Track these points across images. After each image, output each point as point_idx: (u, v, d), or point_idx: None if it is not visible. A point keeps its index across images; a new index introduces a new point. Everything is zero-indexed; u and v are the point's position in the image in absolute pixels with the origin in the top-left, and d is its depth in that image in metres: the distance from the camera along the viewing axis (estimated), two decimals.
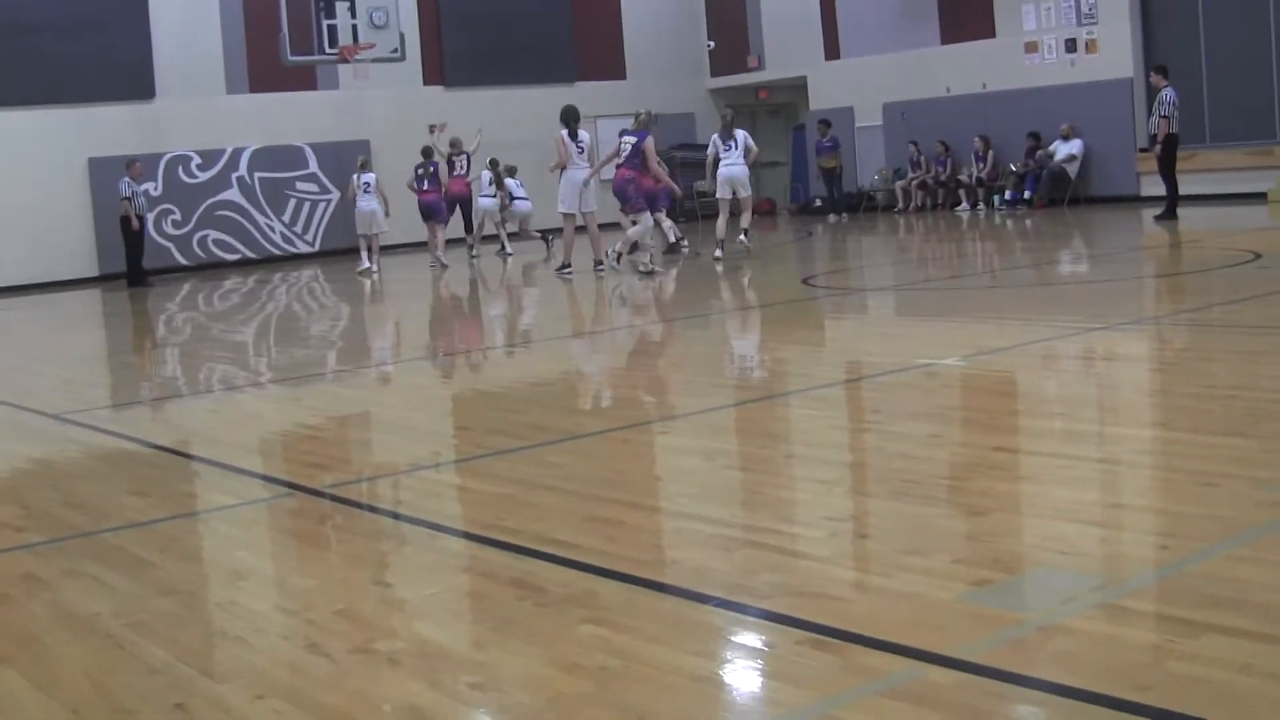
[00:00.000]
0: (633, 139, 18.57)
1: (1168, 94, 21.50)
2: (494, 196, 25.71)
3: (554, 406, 9.22)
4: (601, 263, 19.15)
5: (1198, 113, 26.19)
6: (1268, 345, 9.54)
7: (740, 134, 20.54)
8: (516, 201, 25.98)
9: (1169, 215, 21.15)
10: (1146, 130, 21.19)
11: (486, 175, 25.69)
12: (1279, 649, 3.74)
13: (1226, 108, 25.47)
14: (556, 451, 7.37)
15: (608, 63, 33.35)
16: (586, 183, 19.20)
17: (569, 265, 19.22)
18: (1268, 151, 24.90)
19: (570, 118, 19.38)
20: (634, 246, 19.00)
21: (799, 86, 32.92)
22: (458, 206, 25.56)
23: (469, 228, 26.10)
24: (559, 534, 5.47)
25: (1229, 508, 5.20)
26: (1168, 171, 21.71)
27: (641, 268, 18.18)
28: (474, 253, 25.54)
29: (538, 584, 4.86)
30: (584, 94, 31.99)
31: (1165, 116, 21.40)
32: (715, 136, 20.73)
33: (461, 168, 25.43)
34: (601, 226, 19.92)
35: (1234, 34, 25.84)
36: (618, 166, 18.76)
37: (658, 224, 20.01)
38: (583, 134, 19.39)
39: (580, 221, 19.50)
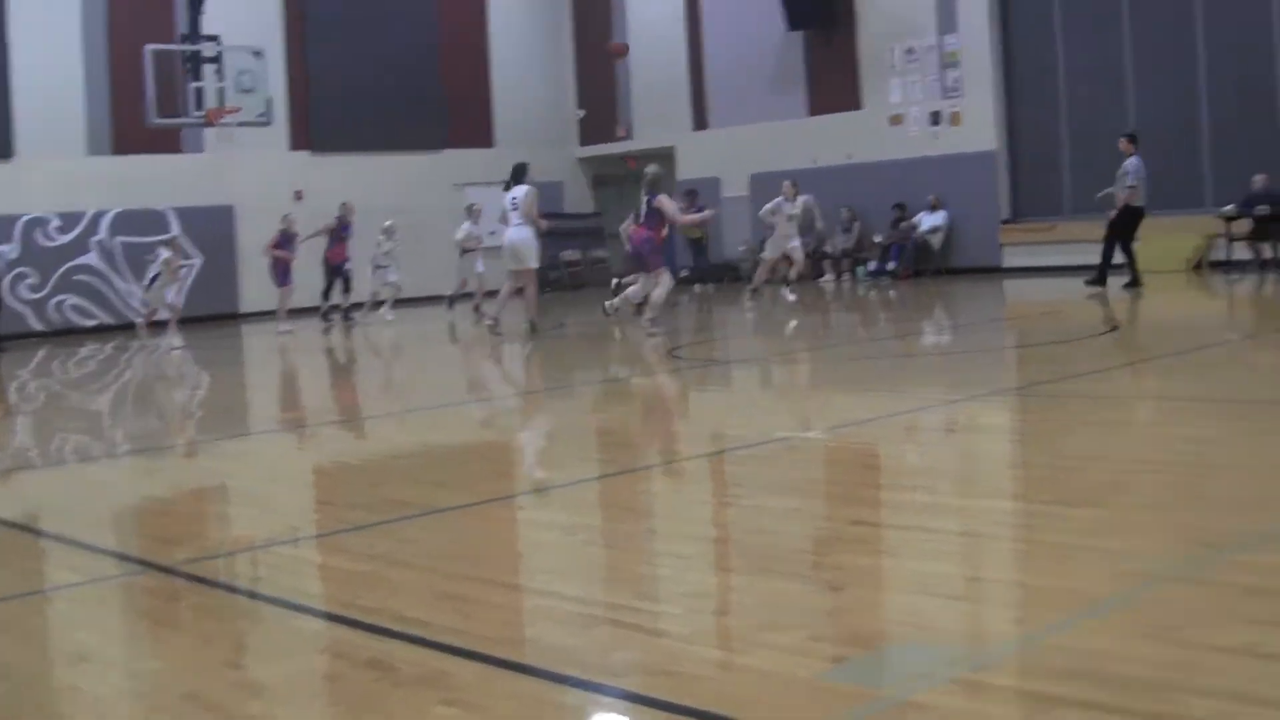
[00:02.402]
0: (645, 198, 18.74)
1: (1132, 163, 21.34)
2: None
3: (414, 480, 9.13)
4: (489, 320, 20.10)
5: (1057, 186, 26.79)
6: (1123, 417, 9.71)
7: (521, 189, 19.65)
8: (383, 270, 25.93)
9: (1099, 282, 21.21)
10: (1114, 193, 21.04)
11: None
12: None
13: (1085, 181, 26.00)
14: (414, 526, 7.29)
15: (477, 130, 33.42)
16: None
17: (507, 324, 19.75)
18: None
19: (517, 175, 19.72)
20: (639, 305, 19.38)
21: (667, 156, 33.18)
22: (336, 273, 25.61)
23: (328, 293, 26.00)
24: (414, 612, 5.39)
25: (1085, 579, 5.26)
26: (1115, 240, 21.53)
27: (649, 328, 18.03)
28: (350, 318, 25.57)
29: (392, 664, 4.79)
30: (452, 161, 32.11)
31: (1132, 186, 21.22)
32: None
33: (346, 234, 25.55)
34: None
35: (1092, 110, 26.47)
36: (636, 225, 19.07)
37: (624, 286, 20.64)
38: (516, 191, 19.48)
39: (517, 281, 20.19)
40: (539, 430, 11.32)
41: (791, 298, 22.36)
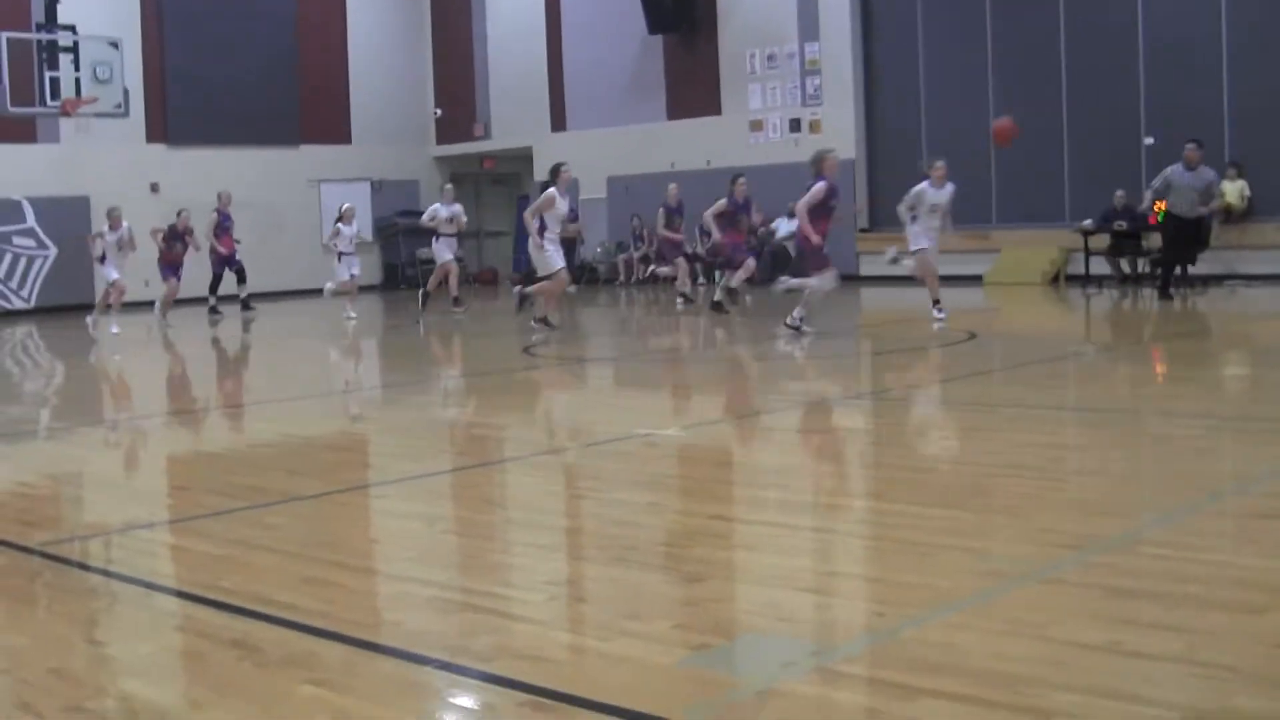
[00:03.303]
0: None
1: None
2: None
3: (273, 468, 9.05)
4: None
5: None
6: (980, 422, 9.86)
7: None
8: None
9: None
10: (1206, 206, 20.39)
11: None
12: (988, 712, 3.83)
13: None
14: (274, 513, 7.24)
15: (333, 127, 33.12)
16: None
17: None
18: (983, 235, 25.85)
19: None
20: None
21: (524, 157, 33.14)
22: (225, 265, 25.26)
23: (216, 286, 25.62)
24: (277, 595, 5.36)
25: (944, 577, 5.34)
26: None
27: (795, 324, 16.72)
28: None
29: (256, 644, 4.76)
30: (307, 157, 31.83)
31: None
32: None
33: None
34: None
35: (953, 120, 26.84)
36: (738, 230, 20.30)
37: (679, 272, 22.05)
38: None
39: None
40: (399, 423, 11.25)
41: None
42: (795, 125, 28.93)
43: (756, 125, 29.40)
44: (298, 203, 31.04)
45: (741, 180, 21.38)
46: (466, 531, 6.89)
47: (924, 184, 18.00)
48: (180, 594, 5.65)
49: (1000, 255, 25.73)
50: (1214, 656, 4.25)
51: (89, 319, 22.25)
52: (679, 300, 23.01)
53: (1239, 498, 6.79)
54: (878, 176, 28.26)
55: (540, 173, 32.23)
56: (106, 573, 6.10)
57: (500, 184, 35.82)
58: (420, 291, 22.98)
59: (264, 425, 11.38)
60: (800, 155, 28.31)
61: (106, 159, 28.78)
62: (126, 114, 26.70)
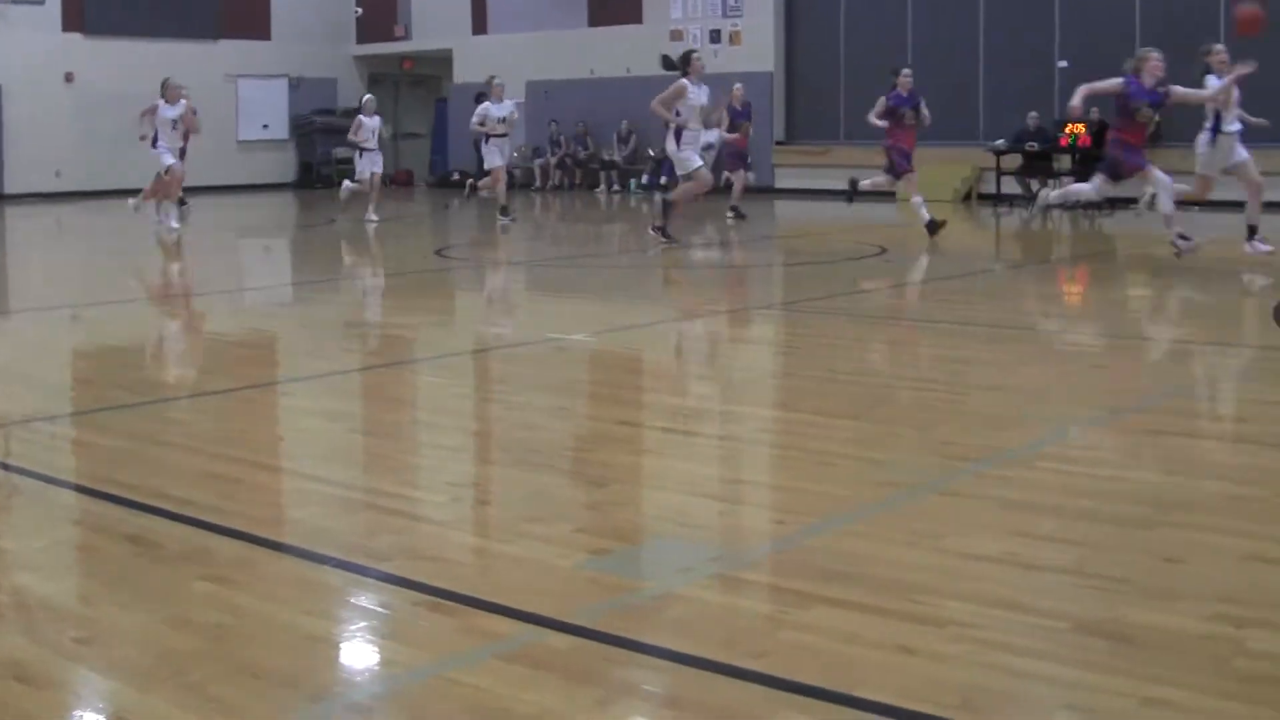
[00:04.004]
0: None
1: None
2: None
3: (180, 364, 8.99)
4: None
5: (833, 110, 27.09)
6: (886, 335, 9.92)
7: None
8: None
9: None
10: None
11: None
12: (883, 620, 3.87)
13: (861, 107, 26.31)
14: (178, 408, 7.19)
15: (252, 21, 32.50)
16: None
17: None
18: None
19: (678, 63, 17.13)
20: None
21: (444, 59, 32.77)
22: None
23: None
24: (176, 490, 5.31)
25: (845, 486, 5.38)
26: None
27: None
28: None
29: (153, 540, 4.72)
30: (225, 52, 31.30)
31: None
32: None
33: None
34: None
35: (871, 37, 26.78)
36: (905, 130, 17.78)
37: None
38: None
39: None
40: (307, 322, 11.16)
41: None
42: (715, 36, 28.78)
43: (677, 35, 29.17)
44: (214, 98, 30.56)
45: (906, 72, 18.33)
46: (372, 431, 6.87)
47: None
48: (78, 488, 5.60)
49: (915, 172, 25.77)
50: (1104, 569, 4.30)
51: (131, 202, 21.06)
52: (729, 214, 21.13)
53: (1136, 414, 6.87)
54: (796, 90, 28.19)
55: (461, 75, 31.98)
56: (4, 465, 6.02)
57: (419, 86, 35.43)
58: (469, 184, 21.88)
59: (174, 320, 11.28)
60: (720, 66, 28.24)
61: (19, 47, 28.11)
62: (42, 2, 26.10)
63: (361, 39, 34.65)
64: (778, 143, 27.85)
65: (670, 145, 16.93)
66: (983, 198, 25.10)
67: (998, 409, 7.08)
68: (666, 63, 18.22)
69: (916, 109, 17.82)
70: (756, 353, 9.42)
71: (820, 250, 16.49)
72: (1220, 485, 5.36)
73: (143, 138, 19.57)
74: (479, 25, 32.36)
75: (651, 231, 16.58)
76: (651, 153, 28.49)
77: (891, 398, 7.39)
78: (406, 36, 33.85)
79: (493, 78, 19.50)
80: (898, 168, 17.74)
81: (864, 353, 9.07)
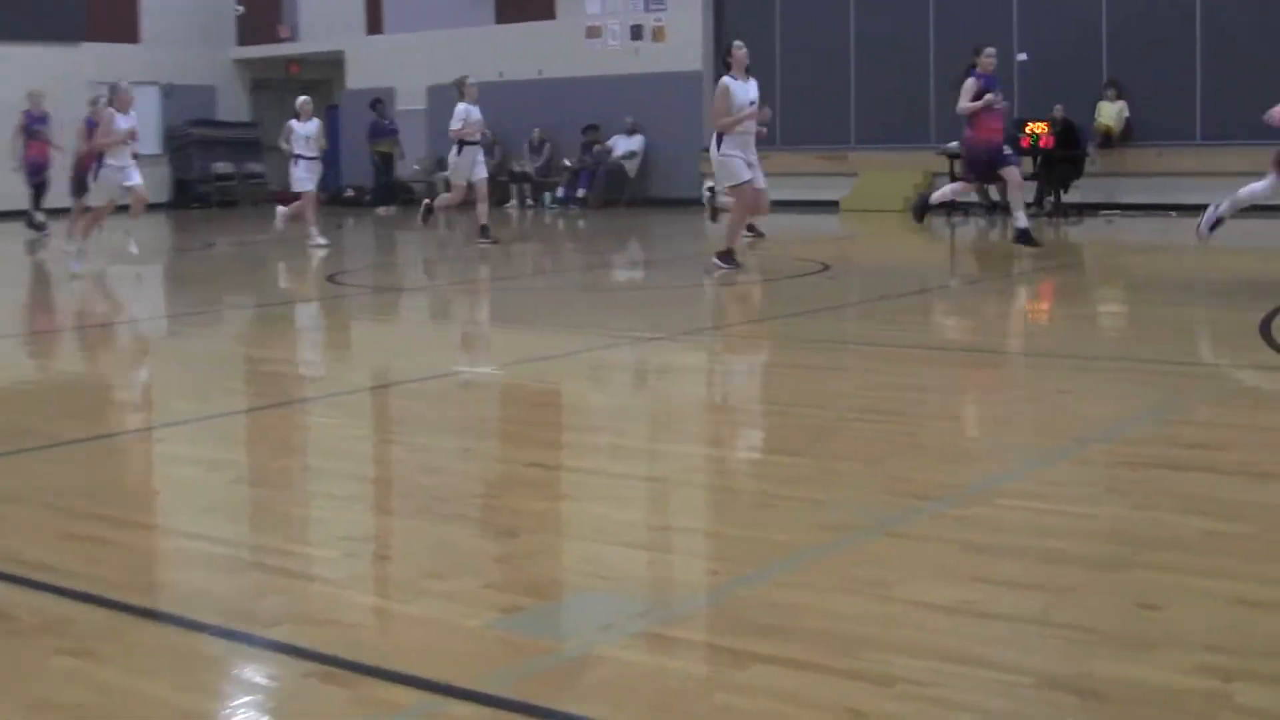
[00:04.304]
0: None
1: None
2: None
3: (36, 408, 8.88)
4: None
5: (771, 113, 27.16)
6: (830, 361, 9.94)
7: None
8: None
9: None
10: None
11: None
12: (827, 678, 3.85)
13: (801, 109, 26.47)
14: (36, 459, 7.09)
15: (119, 23, 32.37)
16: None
17: None
18: (840, 157, 26.02)
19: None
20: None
21: (335, 62, 32.76)
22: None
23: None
24: (34, 553, 5.23)
25: (784, 530, 5.37)
26: None
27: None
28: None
29: (7, 611, 4.65)
30: (91, 56, 31.10)
31: None
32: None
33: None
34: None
35: (811, 31, 26.92)
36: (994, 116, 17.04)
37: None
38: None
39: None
40: (184, 358, 11.08)
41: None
42: (637, 32, 28.88)
43: (594, 31, 29.31)
44: (77, 108, 30.34)
45: (990, 51, 17.57)
46: (257, 481, 6.81)
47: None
48: None
49: (858, 179, 25.92)
50: (1072, 617, 4.31)
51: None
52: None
53: (1106, 444, 6.91)
54: None
55: (355, 80, 31.99)
56: None
57: (308, 93, 35.34)
58: (425, 204, 21.65)
59: (32, 359, 11.19)
60: (642, 65, 28.39)
61: None
62: None
63: (242, 41, 34.61)
64: (705, 149, 27.93)
65: (714, 152, 15.55)
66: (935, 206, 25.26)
67: (954, 441, 7.12)
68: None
69: (999, 94, 17.27)
70: (686, 383, 9.42)
71: (757, 268, 16.53)
72: (1201, 521, 5.38)
73: (87, 160, 19.63)
74: (374, 24, 32.38)
75: (716, 260, 15.36)
76: (568, 163, 28.57)
77: (836, 430, 7.40)
78: (293, 38, 33.83)
79: (465, 77, 19.57)
80: (987, 167, 17.07)
81: (805, 381, 9.08)
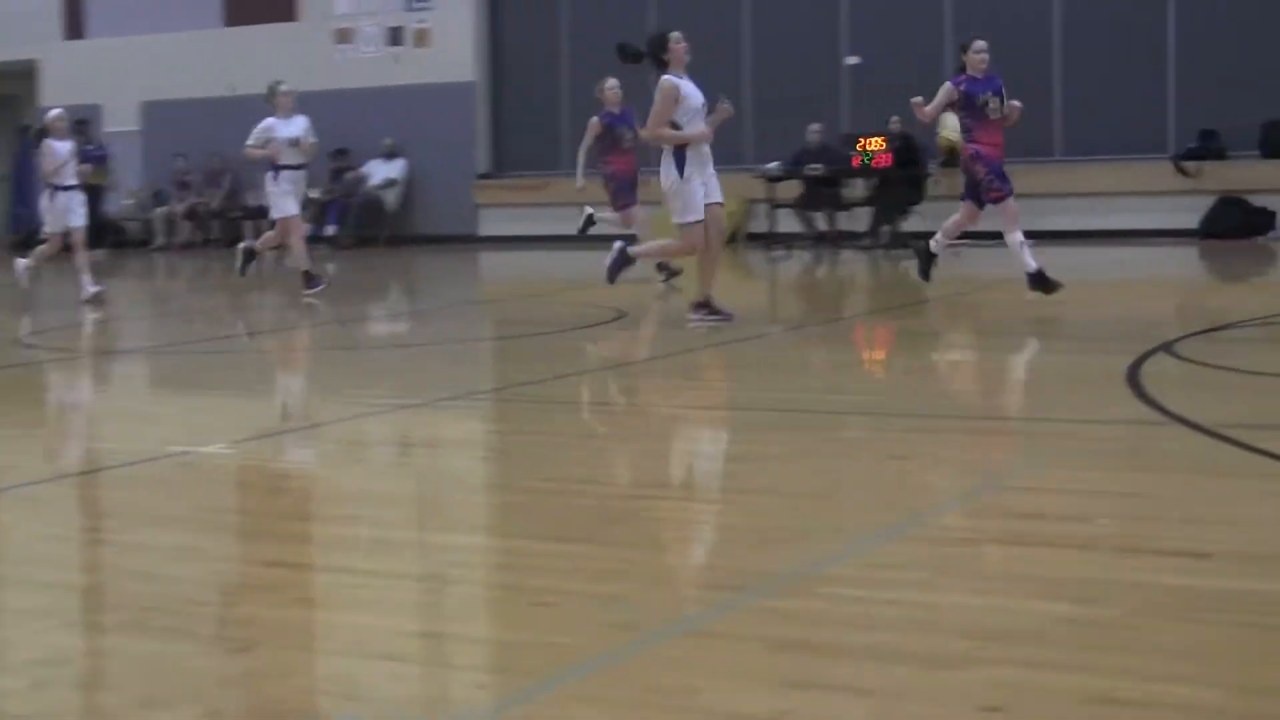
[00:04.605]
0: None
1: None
2: None
3: None
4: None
5: (553, 132, 27.28)
6: (621, 428, 10.03)
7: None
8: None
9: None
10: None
11: None
12: None
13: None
14: None
15: None
16: None
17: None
18: (642, 182, 26.08)
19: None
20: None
21: (25, 74, 32.35)
22: None
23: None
24: None
25: (568, 632, 5.40)
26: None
27: None
28: None
29: None
30: None
31: None
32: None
33: None
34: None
35: (605, 32, 26.99)
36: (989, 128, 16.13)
37: None
38: None
39: None
40: None
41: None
42: (396, 36, 28.90)
43: (344, 35, 29.28)
44: None
45: (980, 45, 16.75)
46: None
47: None
48: None
49: (661, 208, 26.03)
50: None
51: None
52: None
53: (942, 519, 7.05)
54: (506, 106, 28.36)
55: (51, 94, 31.53)
56: None
57: None
58: (242, 249, 21.44)
59: None
60: (403, 77, 28.38)
61: None
62: None
63: None
64: (480, 176, 27.98)
65: (668, 174, 14.98)
66: (753, 237, 25.52)
67: (770, 519, 7.19)
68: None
69: (1001, 98, 16.39)
70: (453, 459, 9.43)
71: (539, 318, 16.62)
72: (1054, 606, 5.52)
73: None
74: (73, 28, 32.11)
75: (691, 315, 15.03)
76: (313, 194, 28.43)
77: (631, 512, 7.45)
78: None
79: (278, 83, 19.35)
80: (990, 193, 16.26)
81: (591, 453, 9.16)
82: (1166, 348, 12.14)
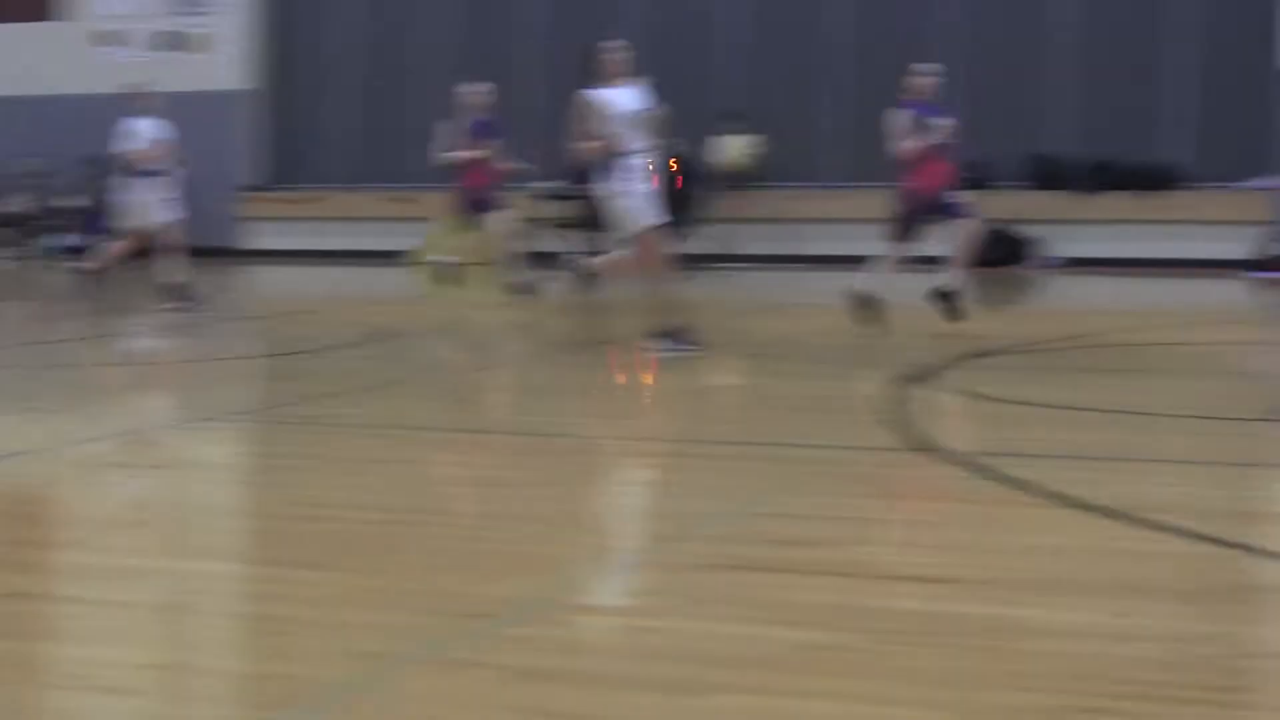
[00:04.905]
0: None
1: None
2: None
3: None
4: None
5: (330, 143, 27.16)
6: (372, 451, 9.97)
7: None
8: None
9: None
10: None
11: None
12: None
13: (367, 142, 26.46)
14: None
15: None
16: None
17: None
18: (410, 199, 25.92)
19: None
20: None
21: None
22: None
23: None
24: None
25: (305, 663, 5.36)
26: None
27: None
28: None
29: None
30: None
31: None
32: None
33: None
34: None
35: (390, 41, 27.01)
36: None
37: None
38: None
39: None
40: None
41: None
42: (169, 41, 28.58)
43: (108, 38, 28.90)
44: None
45: (923, 69, 16.67)
46: None
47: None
48: None
49: (432, 226, 26.00)
50: None
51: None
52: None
53: (685, 545, 7.10)
54: (285, 115, 28.14)
55: None
56: None
57: None
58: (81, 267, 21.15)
59: None
60: (174, 83, 28.03)
61: None
62: None
63: None
64: (243, 188, 27.74)
65: (604, 184, 14.39)
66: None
67: (519, 546, 7.20)
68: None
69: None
70: (200, 482, 9.35)
71: (301, 337, 16.53)
72: (798, 633, 5.58)
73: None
74: None
75: (650, 342, 14.48)
76: (68, 204, 28.10)
77: (370, 536, 7.42)
78: None
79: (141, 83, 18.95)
80: (951, 214, 16.13)
81: (335, 475, 9.10)
82: (922, 376, 12.35)
